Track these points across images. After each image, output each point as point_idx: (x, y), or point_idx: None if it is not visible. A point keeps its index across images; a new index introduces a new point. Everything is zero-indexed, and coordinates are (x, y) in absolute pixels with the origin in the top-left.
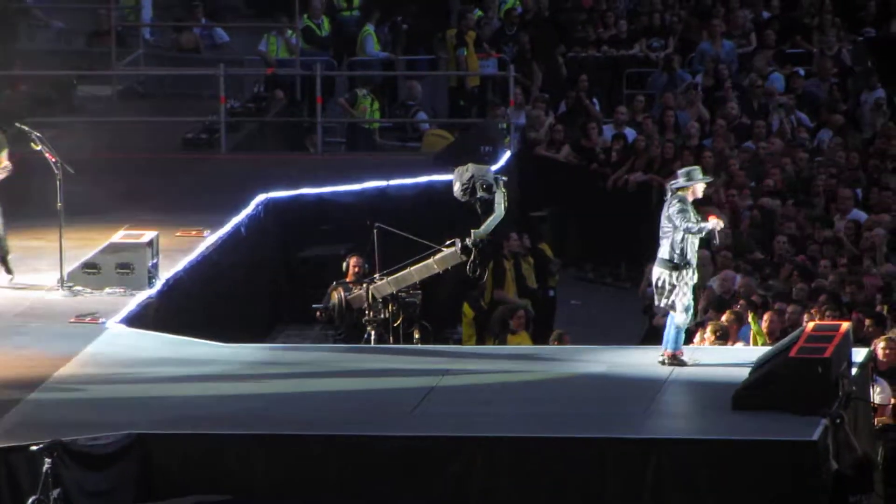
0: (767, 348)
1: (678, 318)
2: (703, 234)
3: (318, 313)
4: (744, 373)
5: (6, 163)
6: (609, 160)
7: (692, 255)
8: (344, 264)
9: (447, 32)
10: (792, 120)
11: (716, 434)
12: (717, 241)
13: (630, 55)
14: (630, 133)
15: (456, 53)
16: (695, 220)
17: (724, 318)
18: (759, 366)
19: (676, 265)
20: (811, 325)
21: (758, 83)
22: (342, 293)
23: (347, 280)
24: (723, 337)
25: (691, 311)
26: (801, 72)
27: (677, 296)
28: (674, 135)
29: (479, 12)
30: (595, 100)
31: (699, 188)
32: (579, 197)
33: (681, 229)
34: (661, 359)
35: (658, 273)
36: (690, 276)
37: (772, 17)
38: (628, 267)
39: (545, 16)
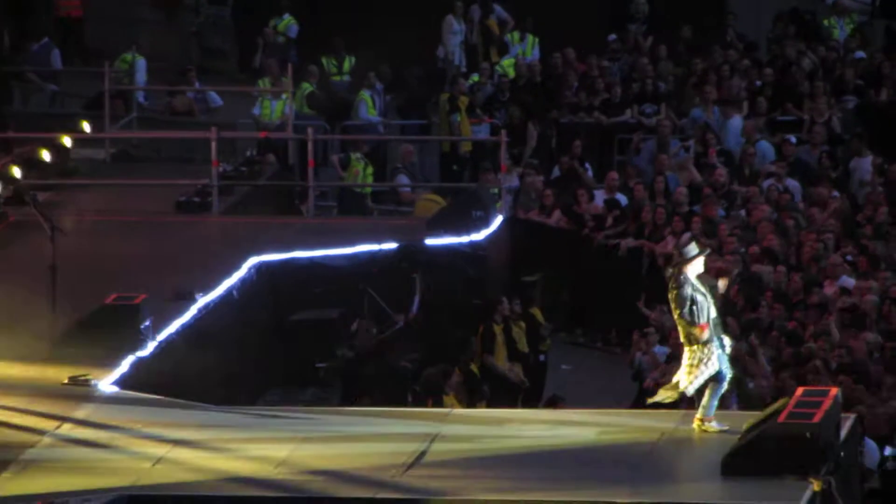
0: (757, 413)
1: (690, 389)
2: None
3: (321, 372)
4: (734, 438)
5: None
6: (600, 225)
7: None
8: (353, 326)
9: (440, 97)
10: (780, 187)
11: (705, 500)
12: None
13: (622, 121)
14: (622, 198)
15: (449, 118)
16: (689, 307)
17: None
18: (749, 431)
19: (698, 341)
20: (800, 390)
21: (749, 151)
22: (347, 353)
23: (354, 342)
24: None
25: (725, 376)
26: (793, 139)
27: (703, 366)
28: (664, 200)
29: (474, 77)
30: (587, 165)
31: (699, 262)
32: (570, 262)
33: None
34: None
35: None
36: (716, 345)
37: (763, 85)
38: (619, 332)
39: (536, 81)
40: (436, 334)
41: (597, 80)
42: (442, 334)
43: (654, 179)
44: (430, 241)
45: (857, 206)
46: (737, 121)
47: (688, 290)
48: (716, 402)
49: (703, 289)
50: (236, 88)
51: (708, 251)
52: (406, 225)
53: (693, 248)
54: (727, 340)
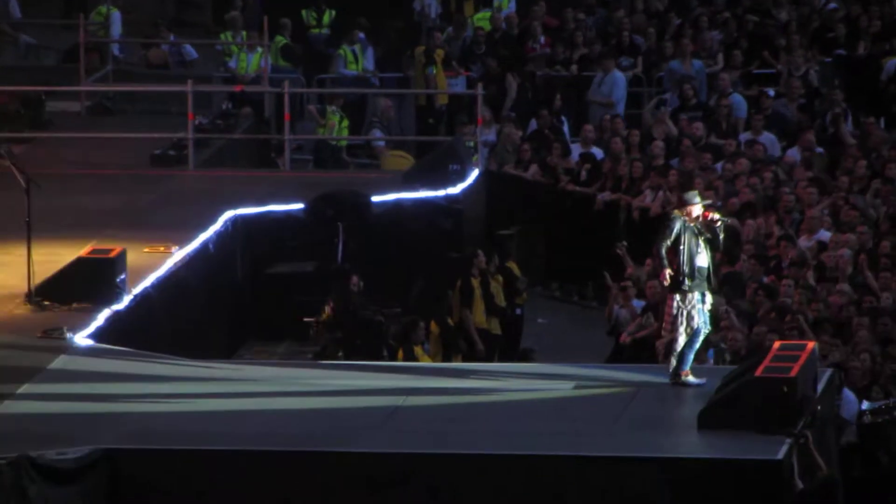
0: (734, 367)
1: (680, 339)
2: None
3: (311, 328)
4: (710, 391)
5: None
6: (577, 179)
7: (694, 275)
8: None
9: (416, 51)
10: (757, 140)
11: (681, 453)
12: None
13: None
14: (598, 152)
15: (424, 72)
16: (666, 245)
17: None
18: (725, 385)
19: (679, 287)
20: (777, 343)
21: (723, 103)
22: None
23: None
24: None
25: (700, 331)
26: (771, 92)
27: (681, 317)
28: (640, 154)
29: (450, 31)
30: (563, 118)
31: (693, 210)
32: (547, 215)
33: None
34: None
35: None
36: (697, 298)
37: (739, 37)
38: (595, 286)
39: (513, 34)
40: (413, 287)
41: (574, 34)
42: (419, 287)
43: (629, 133)
44: (376, 197)
45: (834, 159)
46: (617, 75)
47: (676, 226)
48: (691, 356)
49: (699, 234)
50: (212, 41)
51: (709, 202)
52: (382, 178)
53: (694, 196)
54: (709, 297)
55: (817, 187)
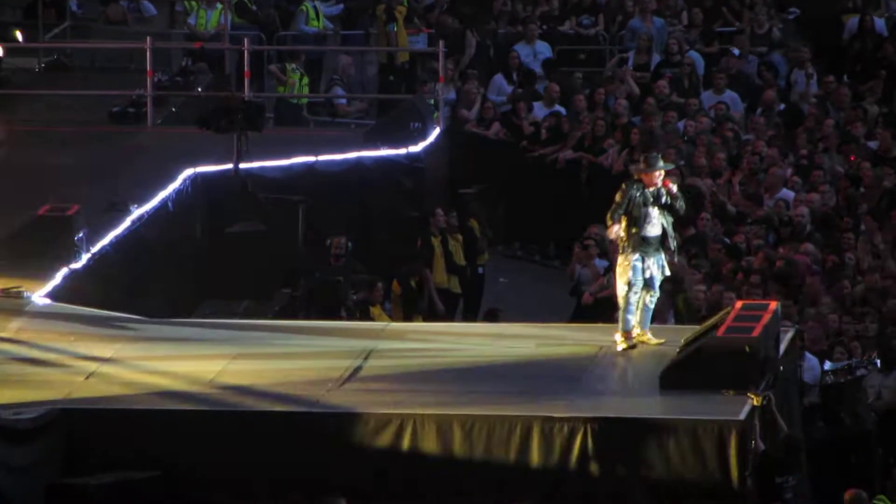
0: (696, 327)
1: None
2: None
3: (292, 298)
4: (672, 351)
5: None
6: (539, 137)
7: (640, 243)
8: (327, 243)
9: (377, 8)
10: (719, 99)
11: (642, 413)
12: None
13: (561, 32)
14: (561, 110)
15: (385, 29)
16: (620, 214)
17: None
18: (688, 345)
19: (623, 251)
20: (740, 303)
21: (686, 62)
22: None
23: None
24: None
25: (625, 290)
26: (736, 52)
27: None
28: (603, 112)
29: None
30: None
31: (654, 175)
32: (509, 174)
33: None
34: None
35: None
36: (634, 258)
37: None
38: (557, 245)
39: None
40: (375, 248)
41: None
42: (381, 247)
43: (593, 91)
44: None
45: (798, 117)
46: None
47: (633, 192)
48: (629, 317)
49: (654, 200)
50: None
51: (672, 167)
52: (342, 136)
53: (658, 161)
54: (654, 259)
55: (780, 146)
